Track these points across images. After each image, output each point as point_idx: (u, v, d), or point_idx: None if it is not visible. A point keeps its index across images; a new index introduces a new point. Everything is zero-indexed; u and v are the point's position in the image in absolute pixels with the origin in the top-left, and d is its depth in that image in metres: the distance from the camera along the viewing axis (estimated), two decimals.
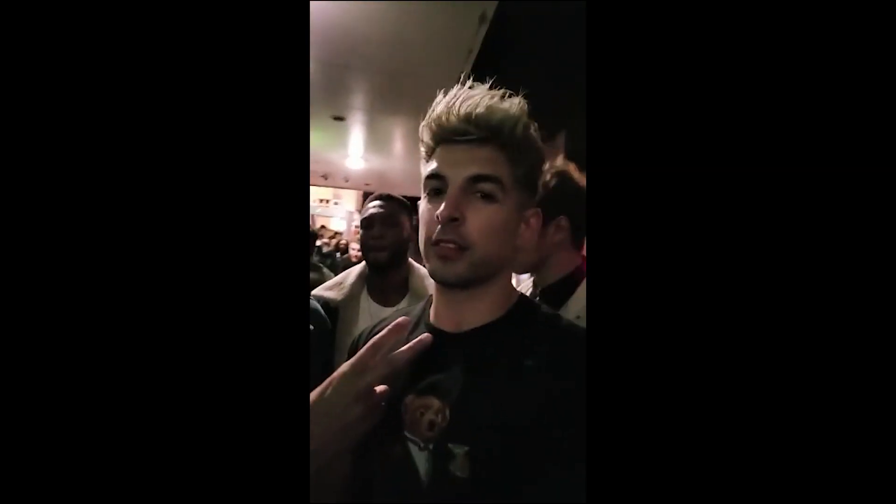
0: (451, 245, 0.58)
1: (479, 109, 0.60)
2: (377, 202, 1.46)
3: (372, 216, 1.42)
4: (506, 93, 0.63)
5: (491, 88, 0.62)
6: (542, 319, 0.64)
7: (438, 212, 0.58)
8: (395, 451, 0.57)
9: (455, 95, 0.61)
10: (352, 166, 5.68)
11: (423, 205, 0.63)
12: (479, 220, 0.59)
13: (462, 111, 0.60)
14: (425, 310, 0.69)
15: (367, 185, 6.82)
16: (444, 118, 0.61)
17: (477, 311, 0.63)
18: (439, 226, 0.58)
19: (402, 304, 1.42)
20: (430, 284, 1.54)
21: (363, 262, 1.49)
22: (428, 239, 0.60)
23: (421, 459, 0.55)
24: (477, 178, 0.59)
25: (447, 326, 0.64)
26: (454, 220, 0.58)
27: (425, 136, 0.63)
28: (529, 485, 0.51)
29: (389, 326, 0.60)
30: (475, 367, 0.59)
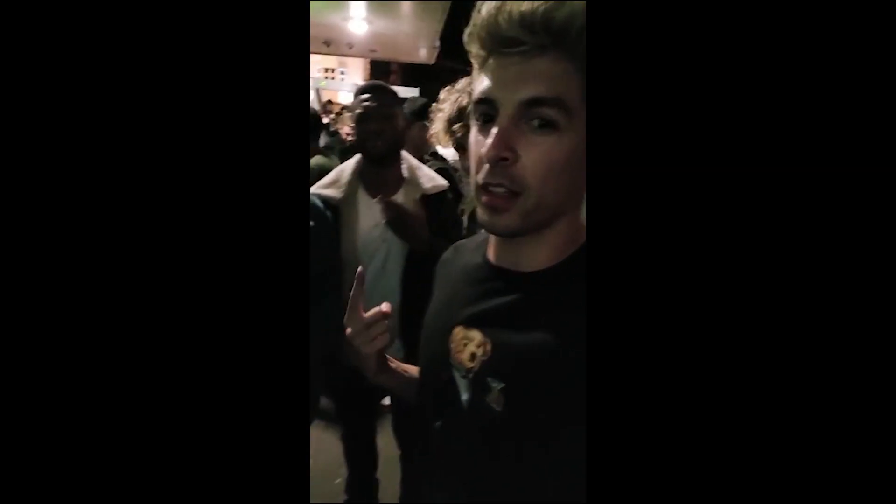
0: (500, 190, 0.48)
1: (539, 8, 0.45)
2: (368, 94, 1.40)
3: (367, 110, 1.37)
4: None
5: None
6: None
7: (484, 149, 0.48)
8: (442, 376, 0.58)
9: None
10: (355, 30, 5.18)
11: (472, 133, 0.52)
12: (536, 157, 0.48)
13: (515, 12, 0.46)
14: (487, 240, 0.62)
15: (372, 51, 6.31)
16: (492, 22, 0.47)
17: (535, 255, 0.55)
18: (486, 165, 0.48)
19: (399, 196, 1.43)
20: (424, 174, 1.53)
21: (357, 157, 1.48)
22: (477, 178, 0.50)
23: (462, 386, 0.56)
24: (533, 102, 0.47)
25: (503, 263, 0.58)
26: (503, 159, 0.47)
27: (473, 45, 0.50)
28: (562, 431, 0.50)
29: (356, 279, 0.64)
30: (526, 309, 0.54)
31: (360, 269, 0.65)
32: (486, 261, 0.60)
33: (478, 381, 0.54)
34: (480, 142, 0.49)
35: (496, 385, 0.53)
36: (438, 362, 0.59)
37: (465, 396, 0.56)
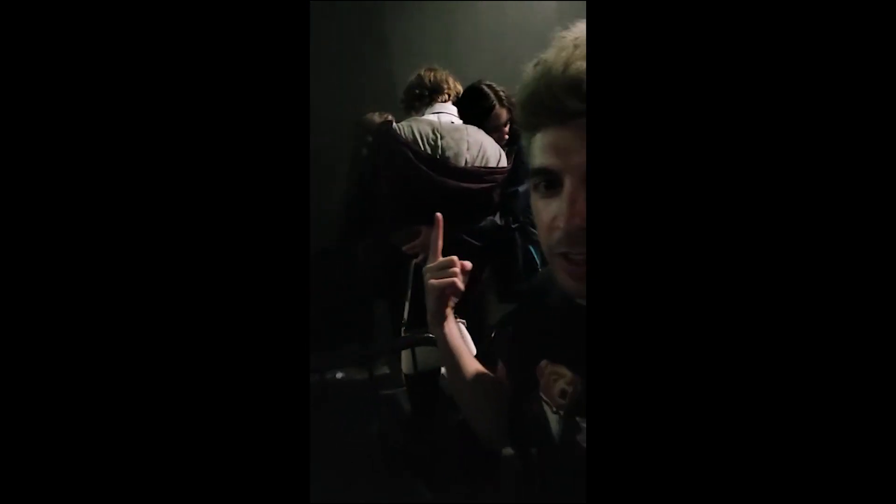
0: (581, 257, 0.47)
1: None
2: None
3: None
4: None
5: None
6: None
7: (563, 220, 0.47)
8: (533, 408, 0.59)
9: (559, 55, 0.44)
10: None
11: (533, 199, 0.52)
12: None
13: (564, 82, 0.44)
14: None
15: None
16: (543, 94, 0.45)
17: None
18: (560, 231, 0.47)
19: None
20: None
21: None
22: (550, 244, 0.49)
23: (553, 421, 0.56)
24: None
25: (583, 300, 0.56)
26: (581, 228, 0.46)
27: (521, 114, 0.50)
28: None
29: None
30: None
31: (438, 213, 0.67)
32: (571, 299, 0.58)
33: (568, 419, 0.55)
34: (546, 208, 0.48)
35: (584, 425, 0.52)
36: (529, 392, 0.60)
37: (555, 430, 0.56)
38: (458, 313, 0.72)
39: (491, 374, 0.72)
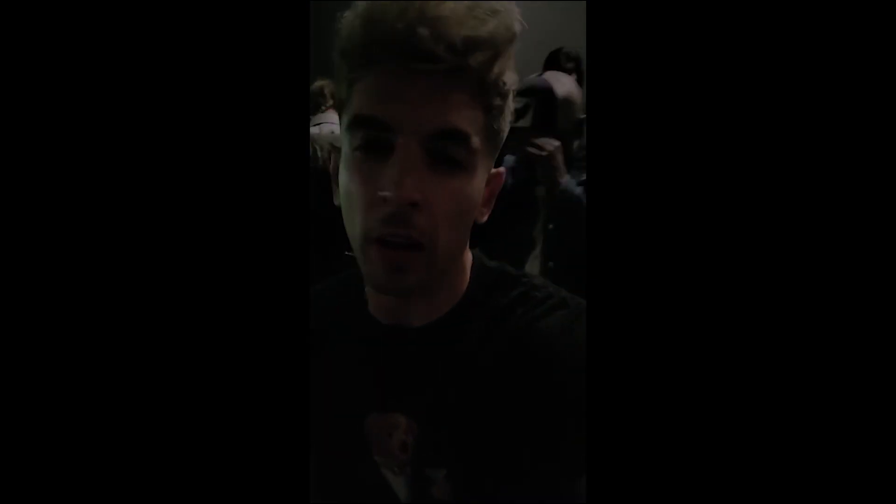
0: (400, 241, 0.38)
1: (467, 24, 0.36)
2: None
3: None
4: None
5: None
6: (506, 297, 0.47)
7: (389, 191, 0.37)
8: (369, 479, 0.47)
9: None
10: None
11: (348, 164, 0.41)
12: (445, 202, 0.39)
13: (434, 21, 0.35)
14: (361, 288, 0.48)
15: None
16: (398, 28, 0.35)
17: (427, 305, 0.46)
18: (384, 209, 0.38)
19: None
20: None
21: None
22: (367, 227, 0.39)
23: (399, 485, 0.47)
24: (445, 135, 0.38)
25: (394, 319, 0.47)
26: (413, 204, 0.37)
27: (353, 37, 0.38)
28: (521, 498, 0.44)
29: None
30: (436, 371, 0.46)
31: None
32: (373, 319, 0.48)
33: (416, 477, 0.46)
34: (367, 176, 0.39)
35: (437, 474, 0.45)
36: (356, 461, 0.48)
37: (403, 495, 0.46)
38: None
39: None
